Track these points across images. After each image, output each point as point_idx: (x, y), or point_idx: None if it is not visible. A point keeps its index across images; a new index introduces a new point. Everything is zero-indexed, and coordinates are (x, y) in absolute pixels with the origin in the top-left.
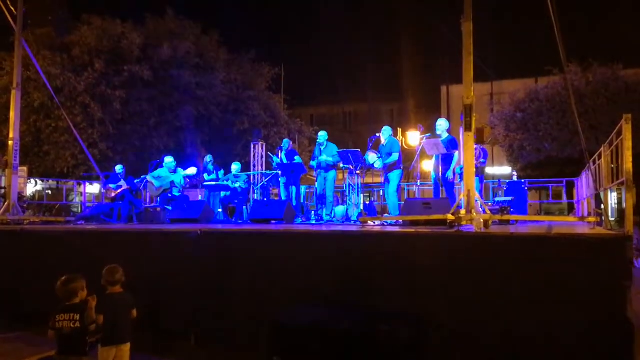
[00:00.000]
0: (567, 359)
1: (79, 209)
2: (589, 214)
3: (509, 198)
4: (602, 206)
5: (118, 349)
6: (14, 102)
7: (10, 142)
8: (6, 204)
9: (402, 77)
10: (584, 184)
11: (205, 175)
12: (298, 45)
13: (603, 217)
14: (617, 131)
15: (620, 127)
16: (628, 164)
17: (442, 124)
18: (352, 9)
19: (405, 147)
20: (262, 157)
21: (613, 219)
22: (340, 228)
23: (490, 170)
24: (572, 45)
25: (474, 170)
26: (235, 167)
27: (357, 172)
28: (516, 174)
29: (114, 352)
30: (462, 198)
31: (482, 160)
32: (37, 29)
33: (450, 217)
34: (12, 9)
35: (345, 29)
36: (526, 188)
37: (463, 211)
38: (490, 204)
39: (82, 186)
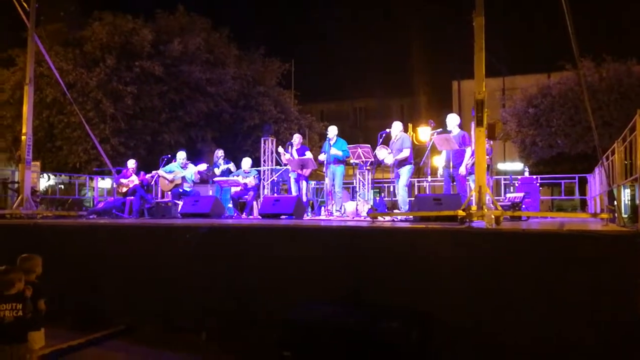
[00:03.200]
0: (580, 357)
1: (91, 204)
2: (602, 211)
3: (521, 194)
4: (615, 202)
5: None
6: (26, 97)
7: (23, 137)
8: (19, 198)
9: (413, 73)
10: (597, 180)
11: (216, 170)
12: (308, 40)
13: (616, 214)
14: (630, 127)
15: (634, 122)
16: None
17: (453, 119)
18: (363, 4)
19: (416, 142)
20: (272, 152)
21: (626, 216)
22: (350, 224)
23: (502, 166)
24: (585, 41)
25: (486, 166)
26: (245, 162)
27: (367, 167)
28: (528, 170)
29: None
30: (473, 194)
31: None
32: (49, 24)
33: (461, 213)
34: (25, 5)
35: (355, 24)
36: (538, 184)
37: (474, 207)
38: (501, 199)
39: (94, 181)
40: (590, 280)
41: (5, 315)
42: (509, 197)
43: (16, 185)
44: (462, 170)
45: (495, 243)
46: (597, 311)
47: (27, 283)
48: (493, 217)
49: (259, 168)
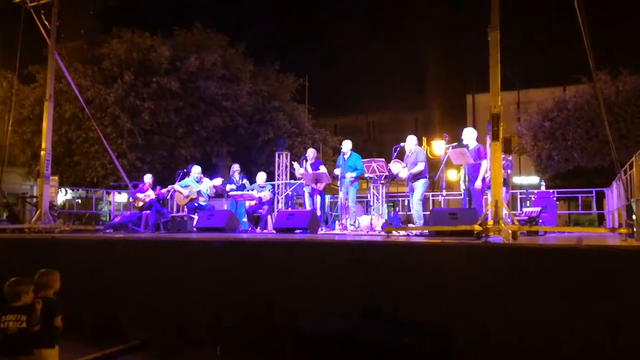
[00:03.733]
0: None
1: (108, 218)
2: (620, 225)
3: (537, 208)
4: (634, 217)
5: (39, 351)
6: (46, 113)
7: (42, 152)
8: (38, 212)
9: (427, 86)
10: (615, 195)
11: (228, 186)
12: (322, 55)
13: (635, 229)
14: None
15: None
16: None
17: (470, 133)
18: (377, 18)
19: (430, 156)
20: (286, 166)
21: None
22: (364, 238)
23: (517, 179)
24: (601, 54)
25: (502, 180)
26: (260, 176)
27: (382, 181)
28: (544, 184)
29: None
30: (489, 208)
31: (508, 171)
32: (69, 42)
33: (477, 227)
34: (46, 22)
35: (369, 38)
36: (555, 198)
37: (490, 222)
38: (518, 214)
39: (111, 195)
40: (610, 296)
41: (9, 326)
42: (526, 212)
43: (35, 200)
44: (478, 184)
45: (513, 258)
46: (617, 327)
47: (44, 299)
48: (510, 231)
49: (273, 182)
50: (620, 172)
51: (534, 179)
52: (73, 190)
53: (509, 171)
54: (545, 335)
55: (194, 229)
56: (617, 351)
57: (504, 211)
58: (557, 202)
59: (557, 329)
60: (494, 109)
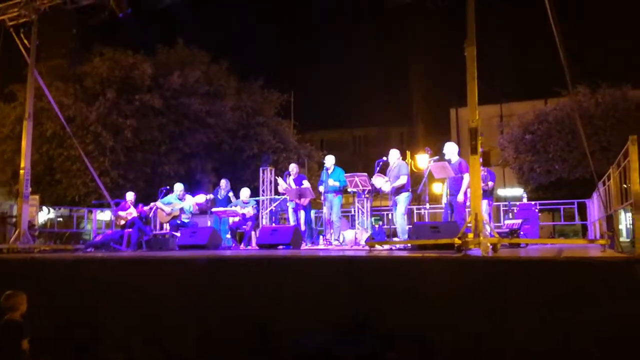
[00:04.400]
0: None
1: (90, 237)
2: (602, 236)
3: (519, 221)
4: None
5: None
6: (25, 132)
7: (21, 172)
8: (17, 232)
9: (412, 101)
10: (595, 206)
11: (213, 200)
12: (308, 70)
13: (615, 240)
14: (623, 152)
15: (626, 148)
16: (635, 185)
17: (451, 148)
18: (362, 34)
19: (415, 170)
20: (270, 182)
21: (628, 240)
22: (347, 253)
23: (502, 192)
24: (581, 67)
25: (481, 193)
26: (244, 192)
27: (366, 195)
28: (526, 196)
29: None
30: (470, 222)
31: (489, 182)
32: (49, 60)
33: (457, 241)
34: (26, 41)
35: (354, 54)
36: (537, 210)
37: (471, 235)
38: (500, 226)
39: (93, 214)
40: (589, 307)
41: None
42: (507, 224)
43: (14, 220)
44: (460, 197)
45: (491, 271)
46: (597, 338)
47: (10, 321)
48: (489, 244)
49: (257, 198)
50: (599, 183)
51: (518, 191)
52: (55, 209)
53: (489, 183)
54: (525, 345)
55: (177, 247)
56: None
57: (484, 224)
58: (542, 214)
59: (536, 340)
60: (472, 123)
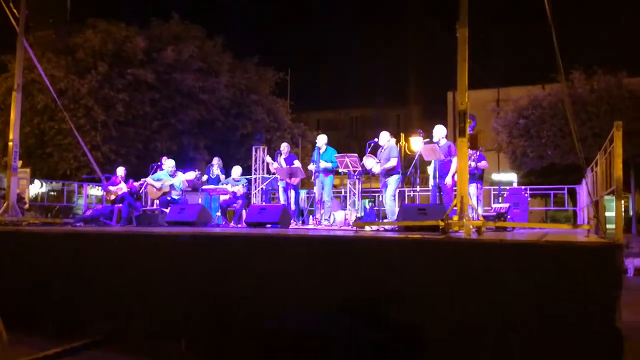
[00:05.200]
0: None
1: (82, 211)
2: (589, 222)
3: (506, 205)
4: (600, 213)
5: None
6: (14, 104)
7: (10, 144)
8: (5, 205)
9: (409, 83)
10: (584, 192)
11: (204, 177)
12: (306, 50)
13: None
14: (609, 138)
15: (612, 134)
16: (618, 171)
17: (439, 131)
18: (360, 15)
19: (408, 152)
20: (263, 161)
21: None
22: (333, 233)
23: (496, 176)
24: (577, 53)
25: (468, 176)
26: (235, 170)
27: (357, 177)
28: (517, 181)
29: None
30: (455, 204)
31: (483, 162)
32: (38, 31)
33: (441, 223)
34: (15, 11)
35: (352, 34)
36: (527, 195)
37: (455, 217)
38: (488, 210)
39: (84, 188)
40: (568, 292)
41: None
42: (495, 208)
43: (2, 192)
44: (448, 180)
45: (472, 253)
46: (576, 323)
47: None
48: (472, 227)
49: (249, 176)
50: (587, 169)
51: (512, 176)
52: (46, 182)
53: (479, 164)
54: (506, 331)
55: (165, 223)
56: (569, 349)
57: (470, 207)
58: (533, 199)
59: (515, 325)
60: (461, 106)
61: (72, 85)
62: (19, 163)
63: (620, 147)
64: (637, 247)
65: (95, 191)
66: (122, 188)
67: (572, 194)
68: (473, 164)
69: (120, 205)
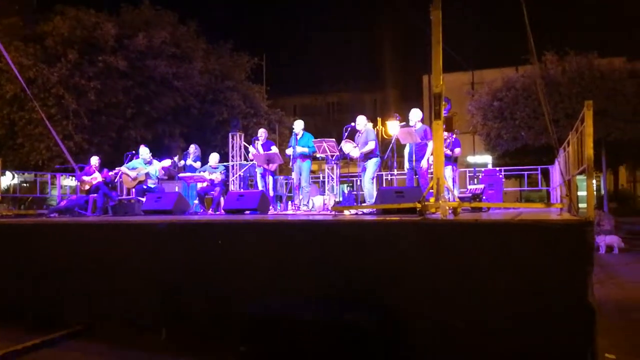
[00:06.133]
0: (530, 344)
1: (55, 202)
2: (561, 201)
3: (481, 186)
4: (572, 192)
5: None
6: None
7: None
8: None
9: (385, 67)
10: (557, 172)
11: (181, 162)
12: (280, 36)
13: (571, 204)
14: (580, 118)
15: (583, 114)
16: (589, 150)
17: (415, 114)
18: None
19: (385, 136)
20: (240, 147)
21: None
22: (311, 217)
23: (471, 159)
24: (549, 34)
25: (443, 158)
26: (213, 157)
27: (336, 162)
28: (491, 162)
29: None
30: (432, 186)
31: (457, 149)
32: (4, 18)
33: (417, 205)
34: None
35: (327, 19)
36: (502, 176)
37: (432, 199)
38: (464, 191)
39: (57, 179)
40: (542, 269)
41: None
42: (470, 189)
43: None
44: (424, 163)
45: (448, 234)
46: (549, 299)
47: None
48: (448, 208)
49: (226, 163)
50: (560, 149)
51: (487, 158)
52: (18, 173)
53: (456, 150)
54: (481, 309)
55: (142, 212)
56: (542, 325)
57: (446, 188)
58: (508, 180)
59: (490, 303)
60: (436, 89)
61: (42, 73)
62: None
63: (590, 127)
64: (608, 225)
65: (69, 181)
66: (97, 178)
67: (546, 174)
68: (448, 150)
69: (95, 195)
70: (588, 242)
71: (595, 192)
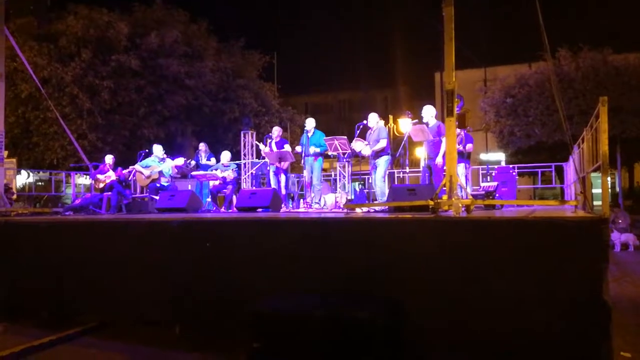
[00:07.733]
0: (545, 341)
1: (70, 200)
2: (575, 198)
3: (495, 183)
4: (587, 189)
5: None
6: None
7: None
8: None
9: (396, 65)
10: (571, 169)
11: (194, 162)
12: (292, 34)
13: (586, 201)
14: (595, 114)
15: (597, 110)
16: (604, 147)
17: (428, 111)
18: None
19: (397, 134)
20: (252, 145)
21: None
22: (323, 215)
23: (484, 156)
24: (563, 30)
25: (456, 155)
26: (225, 155)
27: (347, 159)
28: (504, 160)
29: None
30: (444, 184)
31: (469, 145)
32: (18, 18)
33: (430, 202)
34: None
35: (339, 17)
36: (515, 173)
37: (445, 197)
38: (477, 189)
39: (71, 177)
40: (556, 266)
41: None
42: (484, 187)
43: None
44: (439, 160)
45: (460, 231)
46: (564, 296)
47: None
48: (461, 205)
49: (238, 161)
50: (574, 146)
51: (499, 155)
52: (33, 172)
53: (468, 145)
54: (496, 307)
55: (155, 210)
56: (557, 322)
57: (459, 186)
58: (521, 177)
59: (505, 300)
60: (448, 85)
61: (56, 73)
62: (5, 153)
63: (605, 123)
64: (623, 223)
65: (84, 180)
66: (111, 176)
67: (560, 172)
68: (460, 146)
69: (109, 193)
70: (603, 239)
71: (610, 190)
